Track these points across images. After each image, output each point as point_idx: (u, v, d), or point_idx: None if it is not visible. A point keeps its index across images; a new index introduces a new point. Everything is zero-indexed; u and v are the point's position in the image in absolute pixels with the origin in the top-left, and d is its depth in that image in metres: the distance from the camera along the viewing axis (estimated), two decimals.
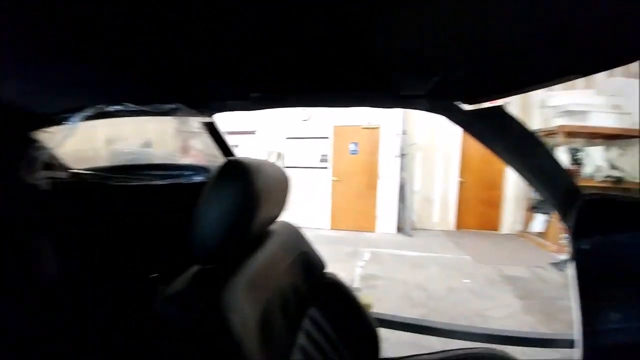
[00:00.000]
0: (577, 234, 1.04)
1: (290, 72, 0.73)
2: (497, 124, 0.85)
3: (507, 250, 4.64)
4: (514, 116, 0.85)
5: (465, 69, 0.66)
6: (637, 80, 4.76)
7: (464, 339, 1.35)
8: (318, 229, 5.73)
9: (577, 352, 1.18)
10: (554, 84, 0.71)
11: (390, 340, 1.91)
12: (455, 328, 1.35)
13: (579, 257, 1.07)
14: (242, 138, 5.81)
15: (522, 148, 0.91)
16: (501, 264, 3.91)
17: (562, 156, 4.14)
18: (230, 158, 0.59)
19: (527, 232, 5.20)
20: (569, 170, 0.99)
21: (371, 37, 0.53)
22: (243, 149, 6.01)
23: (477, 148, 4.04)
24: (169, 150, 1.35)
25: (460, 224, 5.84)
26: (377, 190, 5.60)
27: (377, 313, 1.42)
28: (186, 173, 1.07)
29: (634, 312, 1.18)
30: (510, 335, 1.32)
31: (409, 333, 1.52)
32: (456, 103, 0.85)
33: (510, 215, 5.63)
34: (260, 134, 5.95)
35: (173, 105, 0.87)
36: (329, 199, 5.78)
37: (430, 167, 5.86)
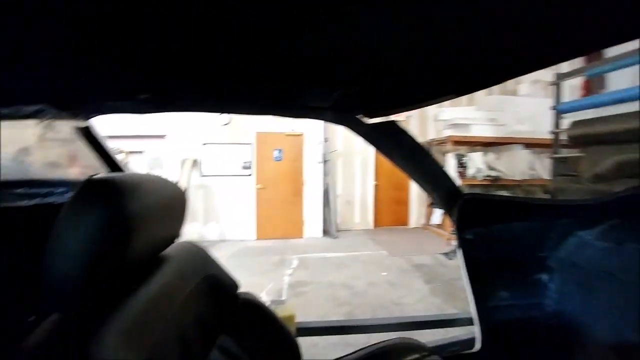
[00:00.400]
0: (461, 227, 1.26)
1: (187, 73, 0.66)
2: (392, 136, 0.97)
3: (414, 242, 5.31)
4: (405, 129, 0.98)
5: (363, 87, 0.72)
6: (510, 97, 6.19)
7: (379, 331, 1.46)
8: (243, 240, 5.45)
9: (475, 328, 1.41)
10: (436, 103, 0.83)
11: (319, 345, 1.95)
12: (369, 322, 1.44)
13: (465, 245, 1.29)
14: (149, 142, 5.13)
15: (413, 157, 1.06)
16: (411, 254, 4.45)
17: (451, 161, 4.99)
18: (94, 176, 0.47)
19: (429, 225, 6.08)
20: (451, 174, 1.18)
21: (277, 49, 0.51)
22: (151, 156, 5.30)
23: None
24: (51, 160, 1.07)
25: (378, 222, 6.43)
26: (303, 196, 5.69)
27: (300, 322, 1.42)
28: (58, 191, 0.85)
29: (515, 289, 1.48)
30: (419, 320, 1.49)
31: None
32: (358, 116, 0.93)
33: (416, 211, 6.52)
34: (172, 138, 5.32)
35: (37, 107, 0.68)
36: (253, 208, 5.56)
37: (350, 172, 6.29)
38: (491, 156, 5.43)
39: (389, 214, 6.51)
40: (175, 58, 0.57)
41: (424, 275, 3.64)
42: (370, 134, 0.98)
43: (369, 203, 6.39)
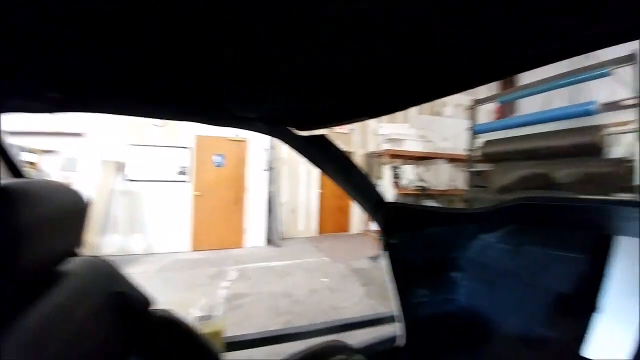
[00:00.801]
0: (386, 232, 1.37)
1: (103, 73, 0.59)
2: (323, 148, 1.02)
3: (355, 247, 5.55)
4: (334, 143, 1.04)
5: (294, 100, 0.74)
6: (437, 117, 6.99)
7: (312, 337, 1.47)
8: (175, 252, 4.98)
9: (399, 325, 1.51)
10: (367, 119, 0.89)
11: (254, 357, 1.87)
12: (301, 330, 1.45)
13: (390, 249, 1.40)
14: (65, 141, 4.41)
15: (343, 169, 1.13)
16: (350, 260, 4.63)
17: (388, 172, 5.41)
18: None
19: (368, 231, 6.43)
20: (376, 185, 1.29)
21: (201, 57, 0.50)
22: (65, 157, 4.55)
23: None
24: None
25: (321, 230, 6.56)
26: (245, 204, 5.50)
27: (230, 337, 1.35)
28: None
29: (433, 287, 1.64)
30: (349, 322, 1.54)
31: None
32: (290, 129, 0.96)
33: (357, 218, 6.83)
34: (93, 137, 4.65)
35: None
36: (189, 217, 5.15)
37: (295, 180, 6.32)
38: (421, 169, 6.04)
39: (332, 221, 6.69)
40: (89, 54, 0.51)
41: (361, 279, 3.82)
42: (301, 146, 1.01)
43: (313, 211, 6.49)
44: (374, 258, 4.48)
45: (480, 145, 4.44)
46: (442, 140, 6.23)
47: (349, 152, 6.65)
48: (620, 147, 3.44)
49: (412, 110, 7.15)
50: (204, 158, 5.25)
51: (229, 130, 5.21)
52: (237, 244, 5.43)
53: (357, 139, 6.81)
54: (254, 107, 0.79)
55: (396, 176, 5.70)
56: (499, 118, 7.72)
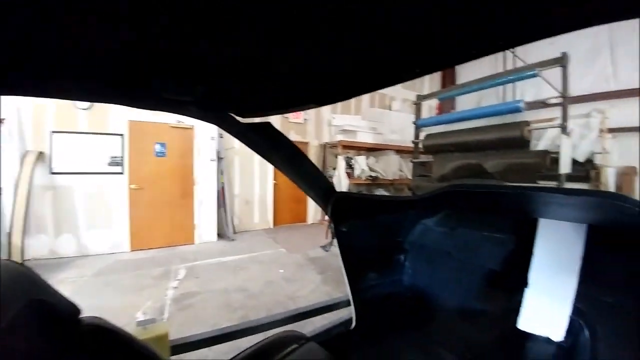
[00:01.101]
0: (336, 221, 1.40)
1: (17, 50, 0.47)
2: (268, 137, 0.97)
3: (312, 237, 5.61)
4: (280, 132, 1.00)
5: (235, 84, 0.68)
6: (387, 111, 7.28)
7: (267, 329, 1.46)
8: (114, 253, 4.48)
9: (352, 308, 1.57)
10: (303, 109, 0.86)
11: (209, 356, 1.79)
12: (254, 323, 1.43)
13: (340, 237, 1.44)
14: None
15: (291, 159, 1.10)
16: (307, 249, 4.68)
17: (342, 162, 5.53)
18: None
19: (324, 220, 6.54)
20: (325, 174, 1.29)
21: (125, 34, 0.42)
22: None
23: None
24: None
25: (278, 221, 6.49)
26: (194, 197, 5.15)
27: (178, 339, 1.27)
28: None
29: (381, 270, 1.72)
30: (304, 311, 1.56)
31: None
32: (231, 115, 0.89)
33: (313, 208, 6.91)
34: (8, 122, 3.85)
35: None
36: (126, 213, 4.62)
37: (249, 170, 6.10)
38: (372, 160, 6.31)
39: (289, 212, 6.66)
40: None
41: (317, 268, 3.89)
42: (244, 134, 0.96)
43: (269, 202, 6.36)
44: (325, 247, 4.59)
45: (423, 138, 4.77)
46: (390, 133, 6.56)
47: (304, 143, 6.63)
48: (544, 141, 3.99)
49: (364, 103, 7.38)
50: (142, 147, 4.71)
51: (170, 116, 4.77)
52: (187, 240, 5.09)
53: (311, 129, 6.80)
54: (187, 89, 0.70)
55: (350, 167, 5.87)
56: (439, 113, 8.41)
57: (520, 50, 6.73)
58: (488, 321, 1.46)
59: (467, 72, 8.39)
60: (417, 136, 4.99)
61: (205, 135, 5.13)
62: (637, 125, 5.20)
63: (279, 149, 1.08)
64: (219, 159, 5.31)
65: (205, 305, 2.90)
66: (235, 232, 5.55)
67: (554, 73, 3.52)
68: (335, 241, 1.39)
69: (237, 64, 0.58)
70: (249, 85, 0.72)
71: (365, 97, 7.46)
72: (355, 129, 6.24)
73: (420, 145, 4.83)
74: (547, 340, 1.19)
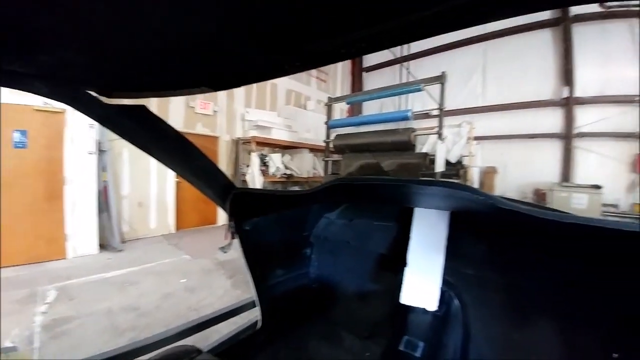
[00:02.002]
0: (238, 219, 1.32)
1: None
2: (144, 123, 0.81)
3: (222, 239, 5.24)
4: (160, 118, 0.84)
5: (96, 56, 0.53)
6: (302, 110, 7.37)
7: (158, 347, 1.26)
8: None
9: (257, 309, 1.50)
10: (192, 93, 0.73)
11: None
12: (141, 344, 1.22)
13: (242, 236, 1.36)
14: None
15: (177, 150, 0.95)
16: (216, 253, 4.32)
17: (256, 159, 5.36)
18: None
19: None
20: (222, 170, 1.19)
21: None
22: None
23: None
24: None
25: (181, 225, 5.79)
26: (65, 199, 4.10)
27: None
28: None
29: (288, 265, 1.71)
30: (203, 320, 1.41)
31: None
32: (92, 93, 0.70)
33: None
34: None
35: None
36: None
37: (143, 165, 5.19)
38: (287, 157, 6.36)
39: (195, 213, 6.01)
40: None
41: (228, 272, 3.65)
42: (109, 118, 0.77)
43: (169, 203, 5.59)
44: (224, 248, 4.33)
45: (333, 138, 5.08)
46: (305, 131, 6.74)
47: (214, 137, 6.13)
48: (426, 145, 4.76)
49: (280, 100, 7.35)
50: None
51: (31, 96, 3.68)
52: (57, 254, 4.02)
53: (222, 122, 6.32)
54: (27, 58, 0.52)
55: (265, 164, 5.75)
56: (350, 116, 9.14)
57: (412, 67, 7.92)
58: (379, 299, 1.63)
59: (373, 80, 9.38)
60: (328, 136, 5.27)
61: (82, 121, 4.14)
62: (497, 134, 6.86)
63: (161, 139, 0.91)
64: (101, 151, 4.36)
65: (84, 331, 2.36)
66: (123, 241, 4.69)
67: (437, 89, 4.25)
68: (235, 241, 1.30)
69: (95, 25, 0.44)
70: (114, 56, 0.57)
71: (281, 94, 7.45)
72: (270, 126, 6.14)
73: (331, 145, 5.11)
74: (424, 311, 1.39)
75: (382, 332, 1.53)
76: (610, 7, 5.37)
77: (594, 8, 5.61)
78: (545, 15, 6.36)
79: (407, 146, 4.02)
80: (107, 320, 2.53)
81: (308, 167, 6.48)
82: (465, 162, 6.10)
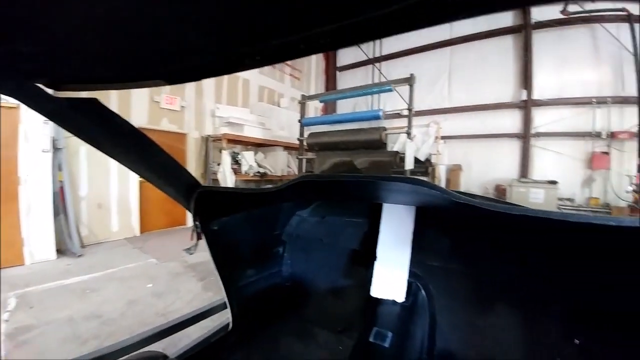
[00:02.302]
0: (204, 219, 1.28)
1: None
2: (95, 117, 0.76)
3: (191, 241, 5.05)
4: (114, 112, 0.79)
5: (34, 41, 0.48)
6: (276, 107, 7.26)
7: (122, 355, 1.20)
8: None
9: (229, 311, 1.47)
10: (147, 86, 0.69)
11: None
12: (105, 351, 1.15)
13: (210, 236, 1.32)
14: None
15: (136, 147, 0.90)
16: (185, 255, 4.16)
17: (227, 158, 5.22)
18: None
19: None
20: (186, 168, 1.15)
21: None
22: None
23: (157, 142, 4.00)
24: None
25: (146, 227, 5.49)
26: (19, 202, 3.73)
27: None
28: None
29: (259, 265, 1.68)
30: (170, 325, 1.36)
31: None
32: (39, 86, 0.64)
33: None
34: None
35: None
36: None
37: (103, 164, 4.83)
38: (260, 155, 6.26)
39: (161, 214, 5.70)
40: None
41: (198, 274, 3.53)
42: (59, 113, 0.71)
43: (133, 204, 5.27)
44: (189, 249, 4.19)
45: (307, 137, 5.09)
46: (279, 129, 6.67)
47: (182, 134, 5.87)
48: (397, 144, 4.92)
49: (253, 97, 7.21)
50: None
51: None
52: (15, 260, 3.65)
53: (190, 118, 6.03)
54: None
55: (237, 162, 5.61)
56: (324, 114, 9.19)
57: (384, 68, 8.13)
58: (352, 294, 1.67)
59: (346, 79, 9.49)
60: (302, 134, 5.26)
61: (37, 117, 3.78)
62: (462, 134, 7.25)
63: (115, 134, 0.85)
64: (56, 149, 4.02)
65: (45, 340, 2.22)
66: (83, 246, 4.37)
67: (407, 90, 4.40)
68: (200, 243, 1.26)
69: (40, 12, 0.40)
70: (62, 46, 0.53)
71: (254, 91, 7.30)
72: (242, 123, 5.99)
73: (305, 143, 5.11)
74: (393, 303, 1.45)
75: (355, 325, 1.56)
76: (571, 13, 5.77)
77: (554, 15, 6.04)
78: (507, 22, 6.82)
79: (378, 144, 4.13)
80: (69, 329, 2.38)
81: (282, 165, 6.43)
82: (434, 160, 6.41)
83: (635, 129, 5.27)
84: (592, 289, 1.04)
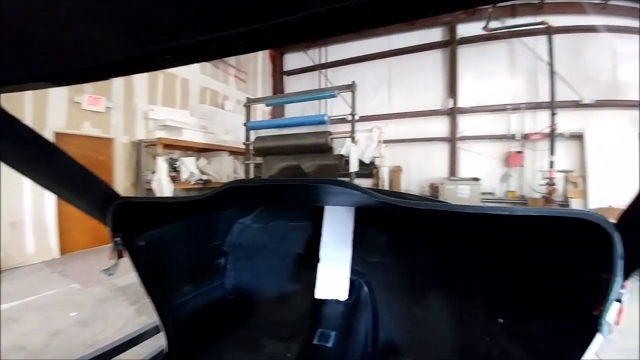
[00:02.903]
0: (126, 234, 1.16)
1: None
2: None
3: (122, 260, 4.51)
4: (15, 117, 0.69)
5: None
6: (220, 110, 6.89)
7: None
8: None
9: (162, 333, 1.35)
10: (33, 88, 0.60)
11: None
12: None
13: (136, 253, 1.20)
14: None
15: (38, 155, 0.79)
16: (115, 277, 3.70)
17: (163, 164, 4.80)
18: None
19: None
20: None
21: None
22: None
23: (75, 148, 3.53)
24: None
25: (67, 247, 4.73)
26: None
27: None
28: None
29: (198, 279, 1.57)
30: (94, 356, 1.20)
31: None
32: None
33: None
34: None
35: None
36: None
37: (13, 176, 4.05)
38: (203, 161, 5.91)
39: (85, 231, 4.91)
40: None
41: (129, 297, 3.16)
42: None
43: (50, 222, 4.52)
44: (109, 269, 3.78)
45: (252, 141, 4.97)
46: (224, 133, 6.39)
47: (107, 139, 5.22)
48: (344, 148, 5.10)
49: (193, 98, 6.76)
50: None
51: None
52: None
53: (118, 121, 5.37)
54: None
55: (175, 169, 5.20)
56: (272, 118, 9.10)
57: (332, 75, 8.42)
58: (299, 298, 1.67)
59: (294, 84, 9.55)
60: (248, 138, 5.12)
61: None
62: (402, 138, 7.87)
63: (15, 142, 0.74)
64: None
65: None
66: None
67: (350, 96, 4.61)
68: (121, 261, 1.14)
69: None
70: None
71: (194, 91, 6.85)
72: (181, 126, 5.56)
73: (252, 148, 4.99)
74: (337, 302, 1.49)
75: (302, 330, 1.57)
76: (491, 29, 6.72)
77: (477, 31, 7.01)
78: (437, 37, 7.72)
79: (324, 148, 4.24)
80: None
81: (228, 171, 6.15)
82: (377, 162, 6.82)
83: (546, 131, 6.32)
84: (508, 273, 1.21)
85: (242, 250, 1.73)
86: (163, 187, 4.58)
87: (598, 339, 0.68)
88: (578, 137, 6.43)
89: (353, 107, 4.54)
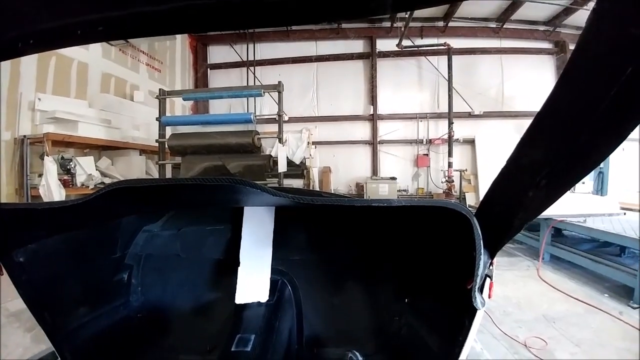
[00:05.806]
0: (3, 250, 0.92)
1: None
2: None
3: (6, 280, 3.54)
4: None
5: None
6: (128, 101, 5.90)
7: None
8: None
9: None
10: None
11: None
12: None
13: (15, 271, 0.97)
14: None
15: None
16: (5, 300, 2.88)
17: (51, 166, 3.92)
18: None
19: None
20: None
21: None
22: None
23: None
24: None
25: None
26: None
27: None
28: None
29: (94, 301, 1.33)
30: None
31: None
32: None
33: None
34: None
35: None
36: None
37: None
38: (106, 161, 5.05)
39: None
40: None
41: (24, 324, 2.54)
42: None
43: None
44: None
45: (167, 138, 4.46)
46: (132, 129, 5.58)
47: None
48: (274, 148, 5.01)
49: (93, 86, 5.68)
50: None
51: None
52: None
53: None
54: None
55: (68, 171, 4.31)
56: (194, 114, 8.38)
57: (260, 74, 8.24)
58: (219, 307, 1.58)
59: (219, 79, 8.99)
60: (162, 135, 4.59)
61: None
62: (330, 140, 8.23)
63: None
64: None
65: None
66: None
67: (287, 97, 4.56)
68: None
69: None
70: None
71: (95, 78, 5.75)
72: (76, 119, 4.62)
73: (167, 146, 4.49)
74: (259, 304, 1.46)
75: (224, 338, 1.49)
76: (404, 47, 7.62)
77: (391, 47, 7.86)
78: (358, 49, 8.37)
79: (250, 148, 4.10)
80: None
81: (138, 172, 5.36)
82: (307, 163, 6.98)
83: (445, 137, 7.52)
84: (407, 257, 1.38)
85: (150, 262, 1.53)
86: (52, 192, 3.72)
87: (480, 311, 0.82)
88: (470, 142, 7.90)
89: (280, 106, 4.53)
